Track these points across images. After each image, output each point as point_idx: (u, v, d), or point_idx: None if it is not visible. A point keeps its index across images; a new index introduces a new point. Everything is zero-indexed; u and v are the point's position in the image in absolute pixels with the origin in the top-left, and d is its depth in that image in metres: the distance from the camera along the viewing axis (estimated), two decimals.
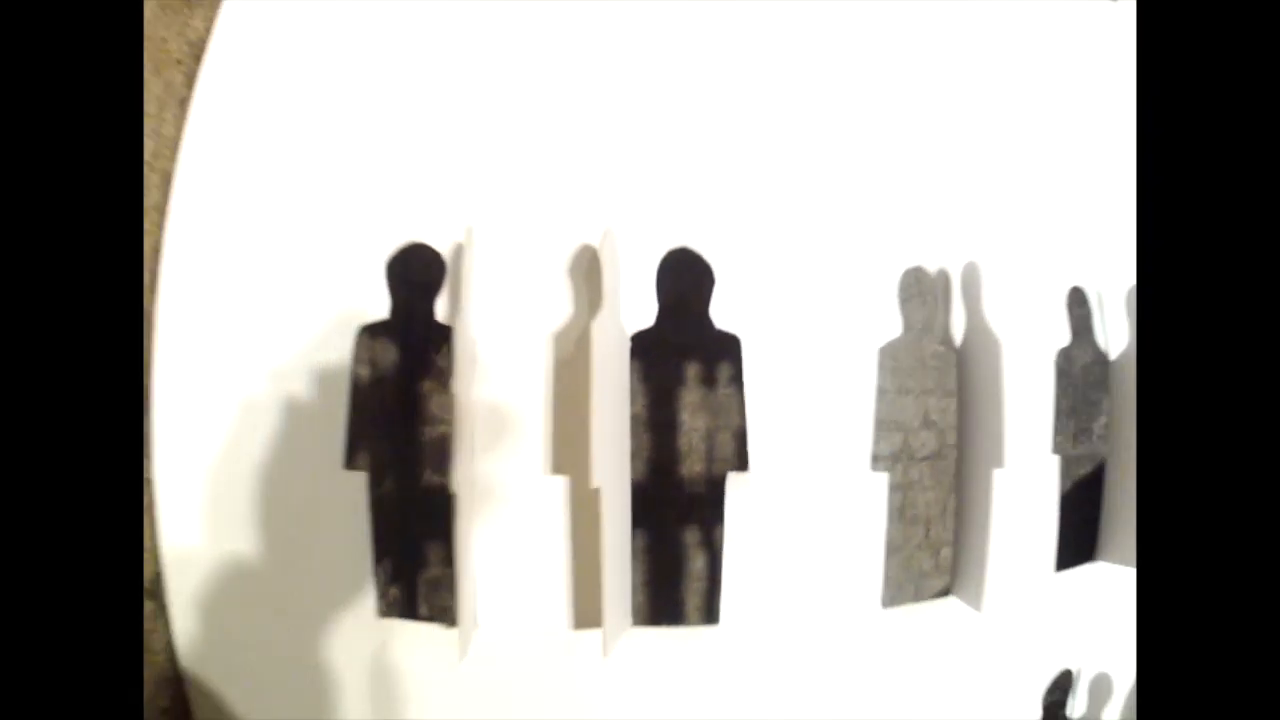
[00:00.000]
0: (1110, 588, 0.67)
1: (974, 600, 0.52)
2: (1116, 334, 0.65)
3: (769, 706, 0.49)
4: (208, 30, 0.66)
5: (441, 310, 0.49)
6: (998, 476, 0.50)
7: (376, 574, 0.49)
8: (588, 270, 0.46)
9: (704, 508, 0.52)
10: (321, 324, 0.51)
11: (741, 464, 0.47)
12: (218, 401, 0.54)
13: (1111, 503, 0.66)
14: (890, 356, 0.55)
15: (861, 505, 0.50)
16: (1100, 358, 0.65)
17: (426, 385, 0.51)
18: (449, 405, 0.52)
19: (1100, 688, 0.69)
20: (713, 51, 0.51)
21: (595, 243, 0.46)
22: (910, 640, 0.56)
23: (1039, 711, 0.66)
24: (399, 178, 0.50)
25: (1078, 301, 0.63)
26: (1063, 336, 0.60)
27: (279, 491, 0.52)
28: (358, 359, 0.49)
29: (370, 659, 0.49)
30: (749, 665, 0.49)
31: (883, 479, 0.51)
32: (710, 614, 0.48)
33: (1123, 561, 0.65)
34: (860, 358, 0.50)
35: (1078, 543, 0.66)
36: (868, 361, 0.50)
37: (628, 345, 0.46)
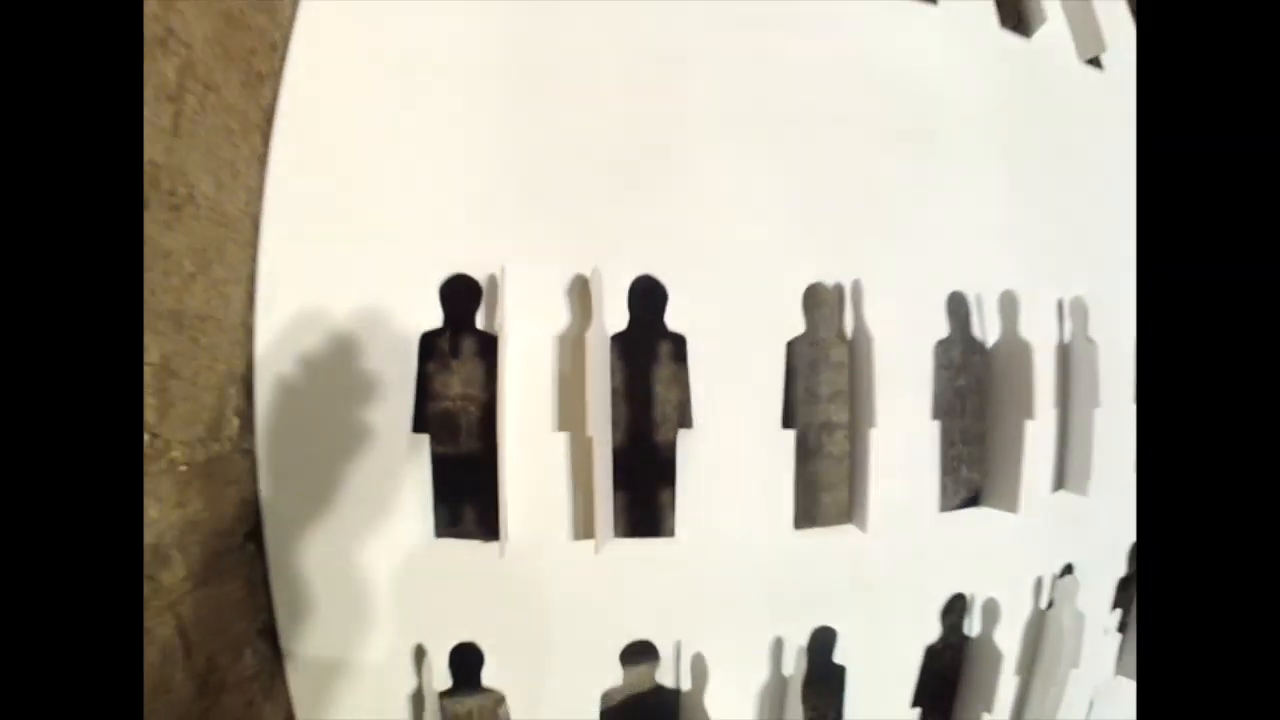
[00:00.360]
0: (992, 528, 1.02)
1: (862, 525, 0.88)
2: (991, 329, 1.01)
3: (713, 592, 0.86)
4: (275, 97, 1.02)
5: (479, 321, 0.84)
6: (873, 435, 0.86)
7: (435, 507, 0.84)
8: (581, 293, 0.83)
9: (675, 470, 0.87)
10: (393, 330, 0.85)
11: (687, 424, 0.83)
12: (307, 388, 0.88)
13: (992, 459, 1.02)
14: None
15: (776, 455, 0.87)
16: (978, 348, 1.01)
17: (453, 371, 0.87)
18: (451, 384, 0.87)
19: (990, 611, 1.04)
20: (660, 137, 0.86)
21: (587, 273, 0.83)
22: (831, 559, 0.92)
23: (939, 628, 1.02)
24: (451, 226, 0.85)
25: (957, 303, 0.99)
26: (941, 331, 0.96)
27: (359, 451, 0.86)
28: (420, 354, 0.84)
29: (432, 566, 0.84)
30: (699, 564, 0.86)
31: (790, 435, 0.86)
32: (670, 529, 0.84)
33: (1000, 507, 1.01)
34: (773, 351, 0.87)
35: (966, 489, 1.02)
36: (778, 354, 0.86)
37: (609, 343, 0.82)
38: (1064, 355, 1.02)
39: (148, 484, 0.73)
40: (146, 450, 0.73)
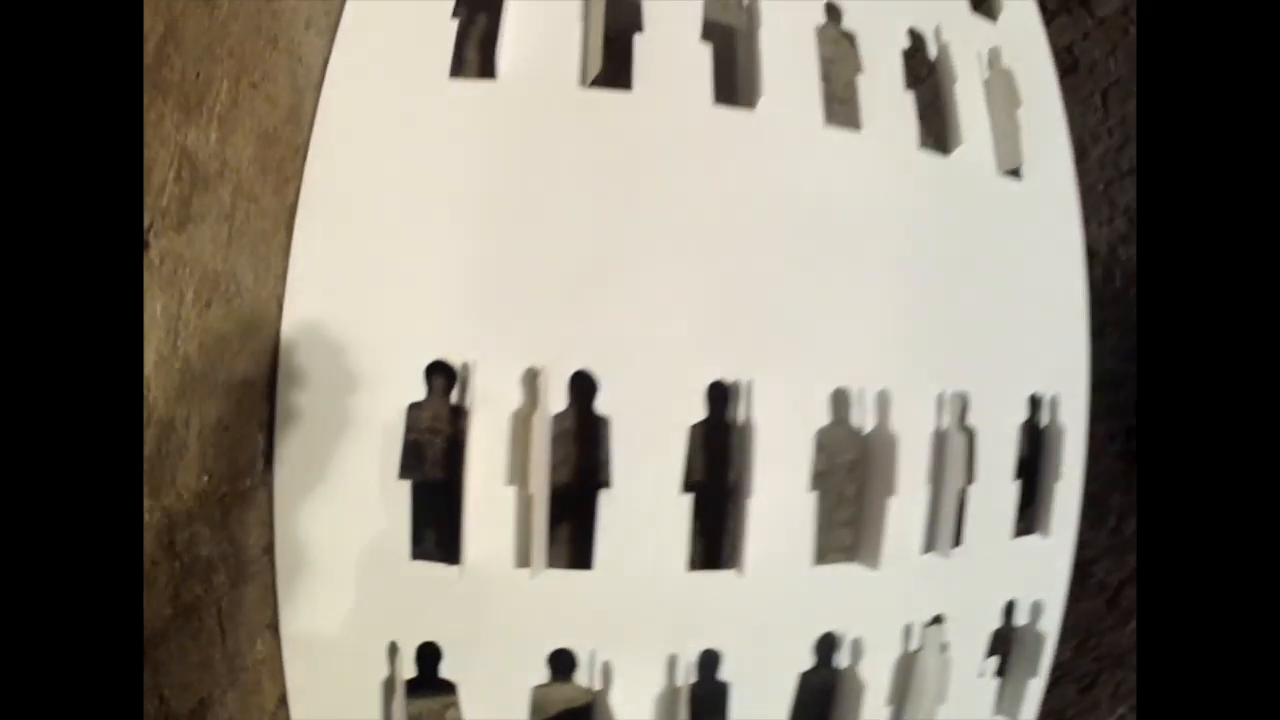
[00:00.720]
0: (863, 579, 1.46)
1: (740, 569, 1.32)
2: (869, 419, 1.44)
3: (621, 615, 1.30)
4: (297, 197, 1.46)
5: (453, 397, 1.29)
6: (750, 504, 1.29)
7: (412, 535, 1.28)
8: (532, 383, 1.28)
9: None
10: (385, 397, 1.29)
11: (607, 485, 1.27)
12: (315, 437, 1.33)
13: (862, 525, 1.46)
14: None
15: (675, 512, 1.31)
16: (854, 434, 1.44)
17: (422, 408, 1.32)
18: (421, 419, 1.33)
19: (857, 647, 1.49)
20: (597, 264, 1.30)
21: (539, 366, 1.28)
22: (717, 596, 1.36)
23: (813, 659, 1.46)
24: (432, 321, 1.29)
25: (839, 395, 1.42)
26: (823, 420, 1.39)
27: (352, 487, 1.31)
28: (409, 418, 1.28)
29: (404, 581, 1.29)
30: (612, 593, 1.30)
31: (687, 498, 1.30)
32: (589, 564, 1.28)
33: (864, 564, 1.45)
34: (678, 434, 1.30)
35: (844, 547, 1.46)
36: (682, 436, 1.30)
37: (550, 426, 1.26)
38: (940, 440, 1.46)
39: (204, 512, 1.19)
40: (205, 487, 1.18)
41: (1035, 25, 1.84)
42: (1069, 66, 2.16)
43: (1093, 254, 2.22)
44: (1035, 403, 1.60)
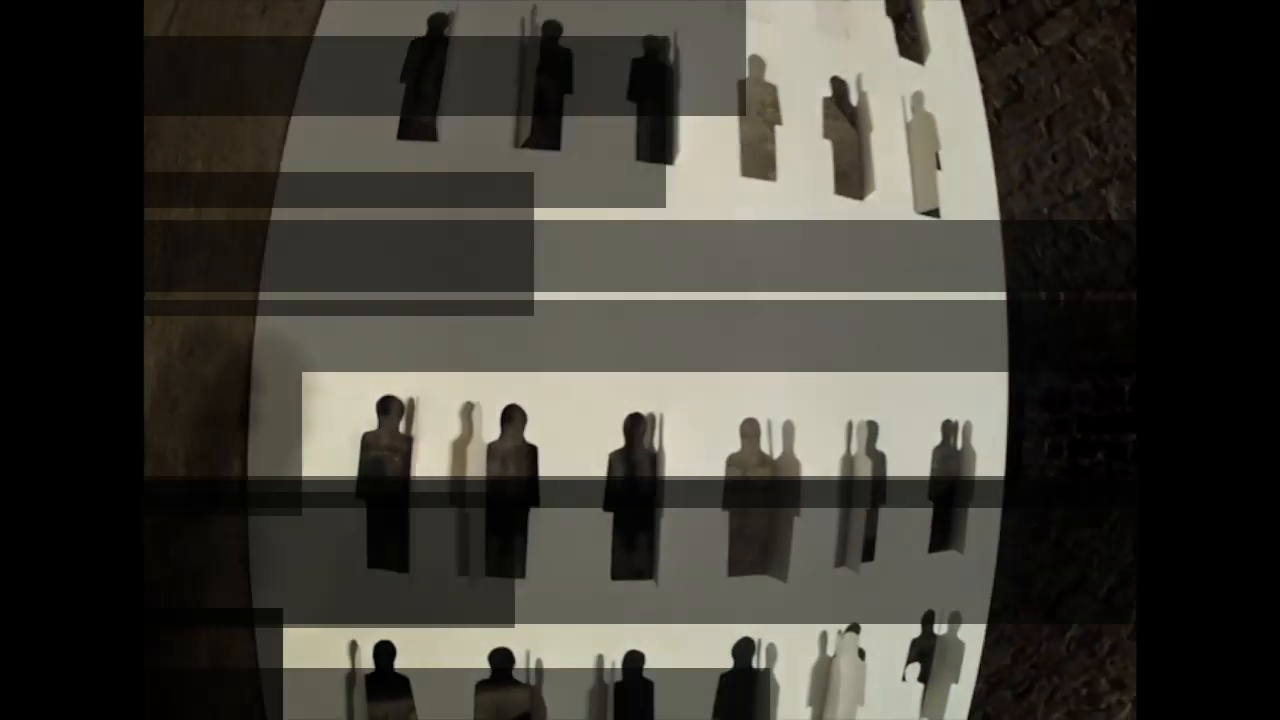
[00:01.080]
0: (775, 592, 1.74)
1: (655, 579, 1.61)
2: (776, 446, 1.73)
3: (553, 618, 1.61)
4: (264, 246, 1.79)
5: (401, 427, 1.60)
6: (666, 516, 1.58)
7: (369, 542, 1.60)
8: (469, 414, 1.58)
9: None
10: (342, 424, 1.61)
11: (537, 505, 1.58)
12: (279, 456, 1.65)
13: (771, 542, 1.74)
14: None
15: (598, 528, 1.60)
16: (764, 458, 1.73)
17: (389, 448, 1.65)
18: (381, 438, 1.66)
19: (772, 651, 1.77)
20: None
21: (475, 401, 1.59)
22: (639, 603, 1.65)
23: (732, 661, 1.74)
24: (384, 361, 1.61)
25: (749, 424, 1.71)
26: (734, 446, 1.68)
27: (320, 506, 1.62)
28: (366, 438, 1.60)
29: (362, 586, 1.60)
30: (544, 599, 1.60)
31: (609, 516, 1.59)
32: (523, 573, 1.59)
33: (777, 576, 1.73)
34: (599, 459, 1.60)
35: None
36: (603, 460, 1.60)
37: (485, 452, 1.57)
38: (848, 464, 1.74)
39: (192, 527, 1.51)
40: (191, 506, 1.51)
41: (966, 66, 2.10)
42: (1014, 94, 2.41)
43: (1036, 275, 2.48)
44: (949, 428, 1.87)
